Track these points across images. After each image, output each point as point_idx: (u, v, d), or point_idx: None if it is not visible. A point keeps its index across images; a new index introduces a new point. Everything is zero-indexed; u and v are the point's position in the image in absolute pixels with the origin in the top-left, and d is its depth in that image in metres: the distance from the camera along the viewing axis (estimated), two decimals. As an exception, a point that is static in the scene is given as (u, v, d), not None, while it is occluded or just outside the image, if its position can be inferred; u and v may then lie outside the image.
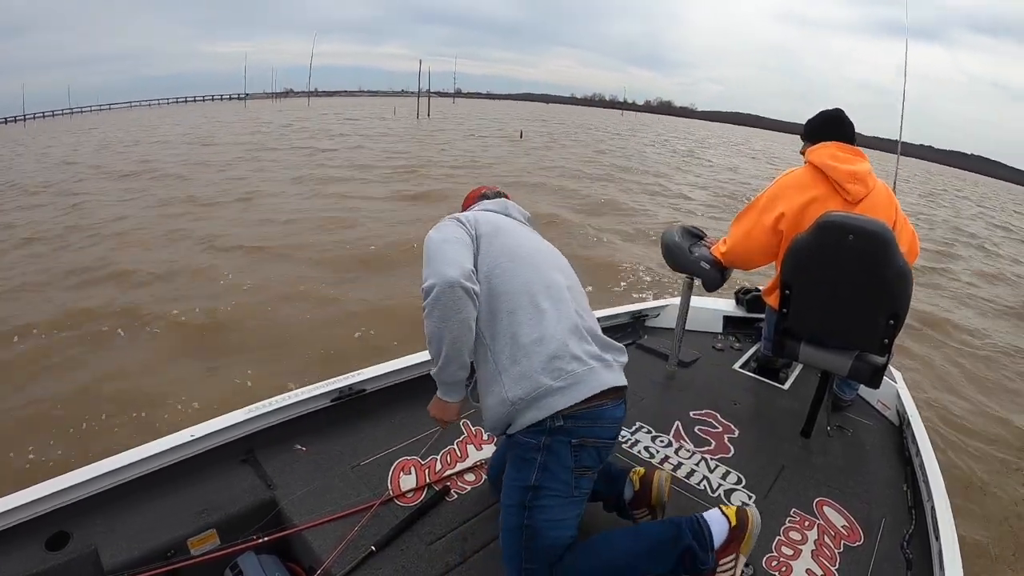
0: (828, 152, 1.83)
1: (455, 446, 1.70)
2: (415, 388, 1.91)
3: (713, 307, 2.73)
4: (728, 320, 2.74)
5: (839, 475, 1.72)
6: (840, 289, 1.63)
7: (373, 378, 1.81)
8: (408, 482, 1.53)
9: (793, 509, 1.55)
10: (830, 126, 1.90)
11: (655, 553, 1.17)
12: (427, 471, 1.58)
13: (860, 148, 1.87)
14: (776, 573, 1.33)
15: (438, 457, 1.64)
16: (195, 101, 59.30)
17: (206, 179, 9.90)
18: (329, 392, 1.72)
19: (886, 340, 1.63)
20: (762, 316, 2.67)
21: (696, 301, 2.41)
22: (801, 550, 1.40)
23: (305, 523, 1.35)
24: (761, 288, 2.45)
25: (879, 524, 1.52)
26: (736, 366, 2.40)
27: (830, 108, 1.96)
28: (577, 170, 13.19)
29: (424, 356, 1.94)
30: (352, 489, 1.48)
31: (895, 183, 3.32)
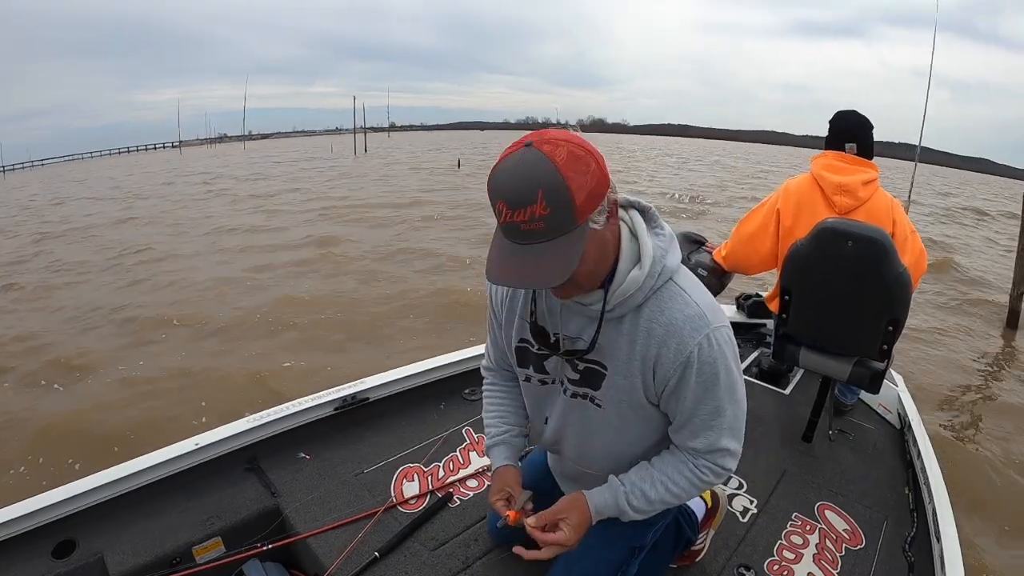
0: (824, 162, 1.85)
1: (458, 453, 1.71)
2: (418, 396, 1.93)
3: None
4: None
5: (840, 479, 1.73)
6: (839, 295, 1.64)
7: (376, 387, 1.83)
8: (411, 489, 1.54)
9: (795, 513, 1.55)
10: (831, 135, 1.90)
11: (663, 548, 1.20)
12: (430, 478, 1.59)
13: (863, 157, 1.83)
14: None
15: (441, 464, 1.65)
16: (129, 152, 57.03)
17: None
18: (332, 401, 1.73)
19: (885, 346, 1.64)
20: (763, 322, 2.68)
21: None
22: (803, 554, 1.40)
23: (309, 530, 1.35)
24: (763, 294, 2.46)
25: (881, 527, 1.52)
26: None
27: (847, 111, 1.91)
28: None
29: (426, 364, 1.96)
30: (355, 496, 1.49)
31: (910, 193, 3.30)
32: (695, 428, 0.94)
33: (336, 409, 1.74)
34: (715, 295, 2.06)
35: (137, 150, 58.80)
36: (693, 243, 2.17)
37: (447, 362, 2.00)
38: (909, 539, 1.47)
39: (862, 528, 1.51)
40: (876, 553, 1.43)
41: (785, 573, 1.34)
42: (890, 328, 1.60)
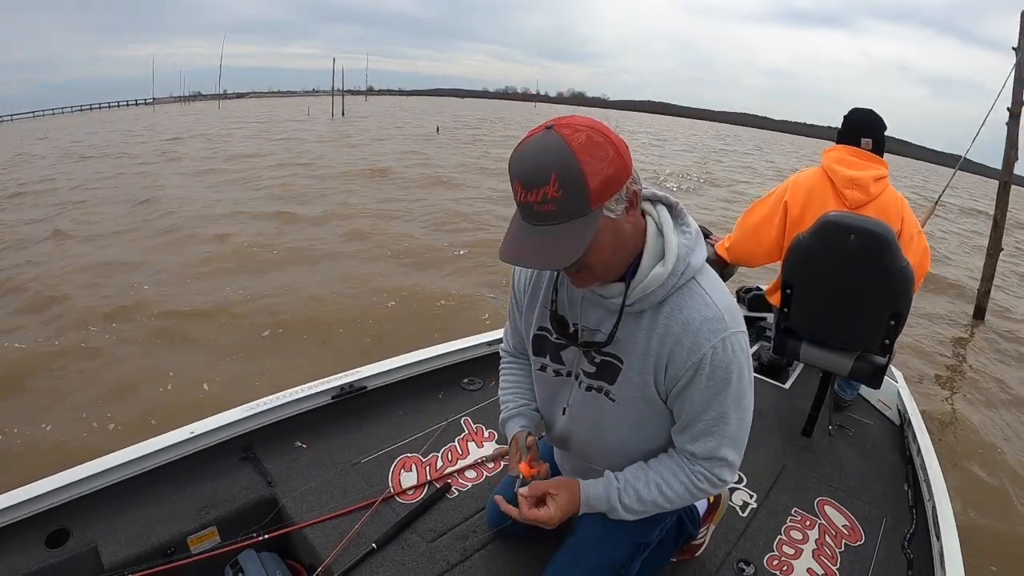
0: (836, 156, 1.85)
1: (456, 443, 1.70)
2: (416, 385, 1.91)
3: None
4: None
5: (840, 475, 1.72)
6: (841, 289, 1.63)
7: (374, 375, 1.81)
8: (409, 479, 1.53)
9: (794, 508, 1.55)
10: (846, 130, 1.90)
11: (665, 542, 1.18)
12: (428, 468, 1.57)
13: (872, 153, 1.84)
14: (777, 572, 1.33)
15: (439, 454, 1.64)
16: (100, 108, 52.39)
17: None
18: (330, 389, 1.72)
19: (887, 340, 1.63)
20: (763, 315, 2.66)
21: None
22: (802, 549, 1.40)
23: (305, 521, 1.34)
24: (764, 287, 2.45)
25: (880, 523, 1.52)
26: None
27: (863, 108, 1.92)
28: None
29: (425, 353, 1.94)
30: (352, 486, 1.48)
31: (939, 198, 3.27)
32: (697, 432, 0.92)
33: (333, 398, 1.73)
34: None
35: (109, 107, 54.35)
36: None
37: (446, 351, 1.99)
38: (908, 536, 1.47)
39: (861, 524, 1.51)
40: (875, 549, 1.43)
41: (785, 568, 1.34)
42: (892, 323, 1.59)
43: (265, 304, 4.39)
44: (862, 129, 1.86)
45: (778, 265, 1.97)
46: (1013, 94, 3.29)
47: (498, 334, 2.11)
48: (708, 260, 2.03)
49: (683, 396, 0.90)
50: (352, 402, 1.76)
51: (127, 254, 5.64)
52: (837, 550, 1.41)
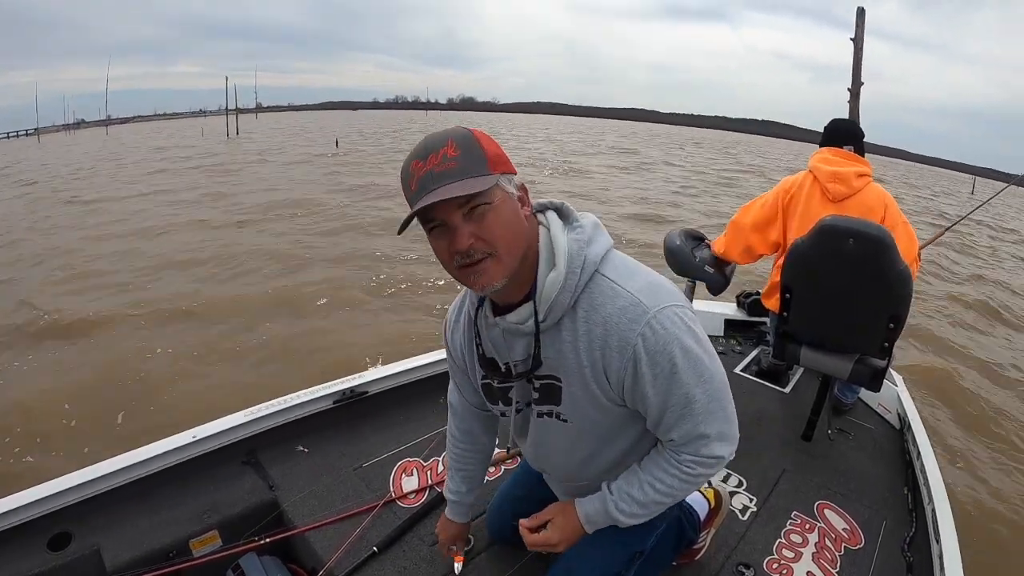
0: (820, 156, 2.00)
1: (457, 448, 1.70)
2: (417, 390, 1.92)
3: (714, 310, 2.74)
4: (729, 323, 2.75)
5: (840, 478, 1.73)
6: (840, 293, 1.64)
7: (375, 380, 1.82)
8: (410, 483, 1.53)
9: (794, 512, 1.55)
10: (828, 134, 2.07)
11: (664, 548, 1.16)
12: (429, 472, 1.58)
13: (855, 154, 2.00)
14: (777, 575, 1.33)
15: (440, 459, 1.64)
16: None
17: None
18: (332, 394, 1.72)
19: (886, 343, 1.63)
20: (763, 320, 2.67)
21: (697, 304, 2.42)
22: (802, 553, 1.40)
23: (307, 524, 1.35)
24: (762, 292, 2.46)
25: (880, 527, 1.52)
26: (737, 369, 2.41)
27: (842, 118, 2.13)
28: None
29: (426, 359, 1.95)
30: (354, 491, 1.49)
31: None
32: (669, 422, 0.87)
33: (335, 402, 1.73)
34: (722, 291, 2.12)
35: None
36: (694, 239, 2.17)
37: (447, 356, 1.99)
38: (908, 539, 1.47)
39: (861, 528, 1.51)
40: (875, 553, 1.43)
41: (784, 571, 1.34)
42: (891, 325, 1.60)
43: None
44: (844, 137, 2.02)
45: (773, 266, 2.02)
46: (852, 77, 3.95)
47: None
48: (709, 264, 2.08)
49: (636, 394, 0.85)
50: (353, 407, 1.77)
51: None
52: (837, 553, 1.41)
